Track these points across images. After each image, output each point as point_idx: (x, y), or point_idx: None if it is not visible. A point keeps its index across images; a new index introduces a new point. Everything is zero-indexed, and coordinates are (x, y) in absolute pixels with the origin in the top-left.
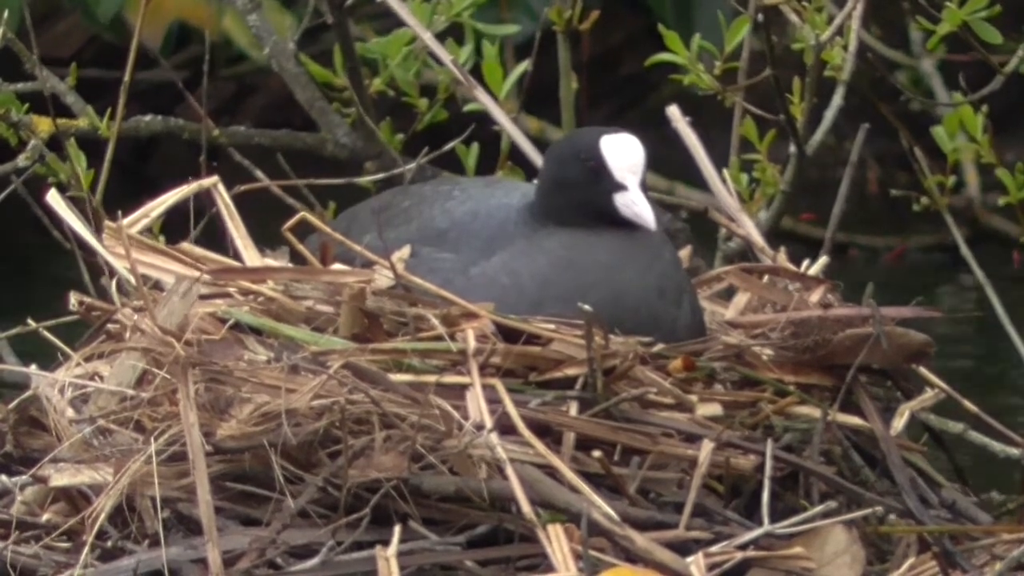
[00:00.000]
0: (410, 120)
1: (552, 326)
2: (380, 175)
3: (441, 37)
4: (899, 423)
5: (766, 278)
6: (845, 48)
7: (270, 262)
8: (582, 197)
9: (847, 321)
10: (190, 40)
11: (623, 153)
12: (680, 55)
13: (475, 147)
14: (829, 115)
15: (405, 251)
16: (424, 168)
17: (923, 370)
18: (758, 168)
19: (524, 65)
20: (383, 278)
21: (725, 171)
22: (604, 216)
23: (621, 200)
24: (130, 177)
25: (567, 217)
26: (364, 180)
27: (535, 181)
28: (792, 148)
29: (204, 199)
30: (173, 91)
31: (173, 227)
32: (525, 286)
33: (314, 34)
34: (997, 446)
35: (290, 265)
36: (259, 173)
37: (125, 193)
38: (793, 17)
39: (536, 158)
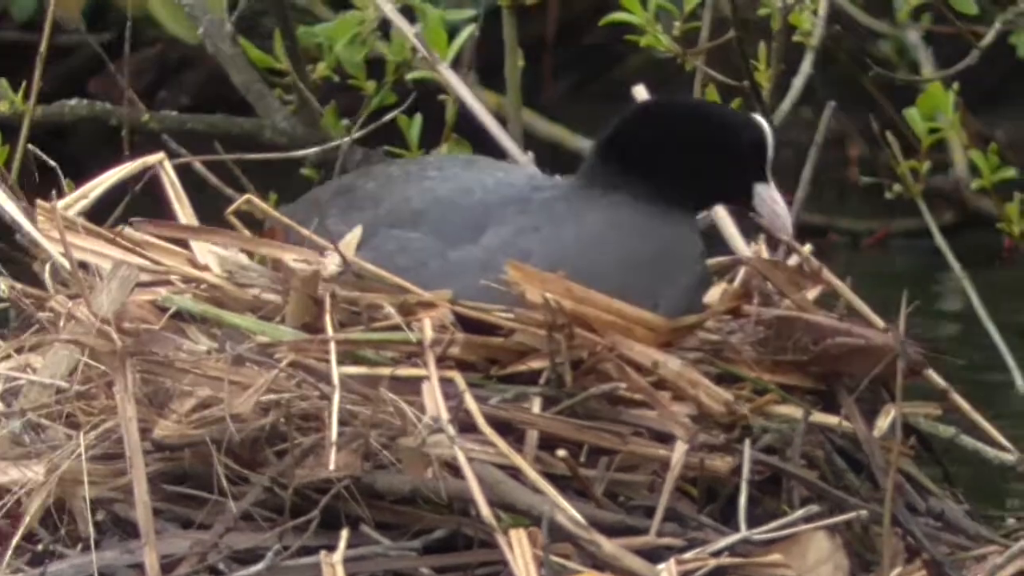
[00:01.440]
0: (353, 100)
1: (513, 316)
2: (317, 148)
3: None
4: (884, 423)
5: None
6: (815, 12)
7: (215, 248)
8: (718, 174)
9: (833, 329)
10: (106, 16)
11: (772, 147)
12: (637, 14)
13: (418, 118)
14: (798, 82)
15: (357, 232)
16: (368, 153)
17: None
18: None
19: (470, 30)
20: (334, 264)
21: None
22: (723, 198)
23: (764, 192)
24: (47, 154)
25: (669, 191)
26: (301, 154)
27: (527, 163)
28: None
29: (130, 185)
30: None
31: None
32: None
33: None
34: (990, 451)
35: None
36: (184, 151)
37: (42, 171)
38: None
39: (497, 130)
